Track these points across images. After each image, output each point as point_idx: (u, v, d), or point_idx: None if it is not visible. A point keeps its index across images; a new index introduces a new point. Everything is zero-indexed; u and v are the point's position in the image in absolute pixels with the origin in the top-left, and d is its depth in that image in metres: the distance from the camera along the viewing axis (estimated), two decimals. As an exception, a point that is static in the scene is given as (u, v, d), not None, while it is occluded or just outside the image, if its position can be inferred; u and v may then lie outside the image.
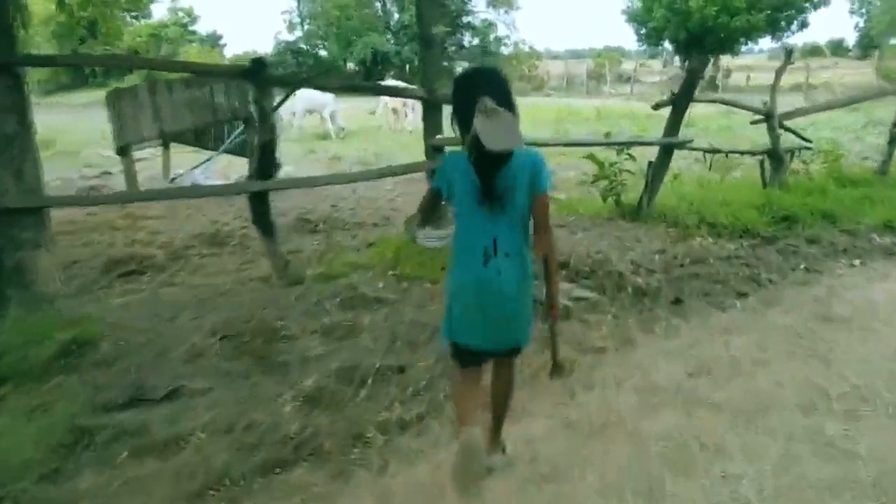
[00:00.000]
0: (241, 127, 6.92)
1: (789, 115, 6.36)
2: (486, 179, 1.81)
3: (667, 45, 31.51)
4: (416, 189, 6.30)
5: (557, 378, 2.20)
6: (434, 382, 2.71)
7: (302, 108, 12.52)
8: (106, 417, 2.45)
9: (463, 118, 1.79)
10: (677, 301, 3.70)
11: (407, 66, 29.05)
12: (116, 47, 23.74)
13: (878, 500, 2.04)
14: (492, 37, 31.14)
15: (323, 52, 32.30)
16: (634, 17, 30.17)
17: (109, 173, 8.01)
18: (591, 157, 5.29)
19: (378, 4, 32.01)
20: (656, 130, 7.45)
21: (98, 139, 9.79)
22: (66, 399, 2.55)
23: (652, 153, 5.34)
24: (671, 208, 5.22)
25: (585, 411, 2.51)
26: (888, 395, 2.65)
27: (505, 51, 30.60)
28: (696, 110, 7.44)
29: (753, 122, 6.41)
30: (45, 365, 2.77)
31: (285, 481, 2.15)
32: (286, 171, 7.92)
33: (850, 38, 44.99)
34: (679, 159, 6.31)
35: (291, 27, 32.91)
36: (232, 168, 7.58)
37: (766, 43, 31.01)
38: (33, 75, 25.81)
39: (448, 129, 3.96)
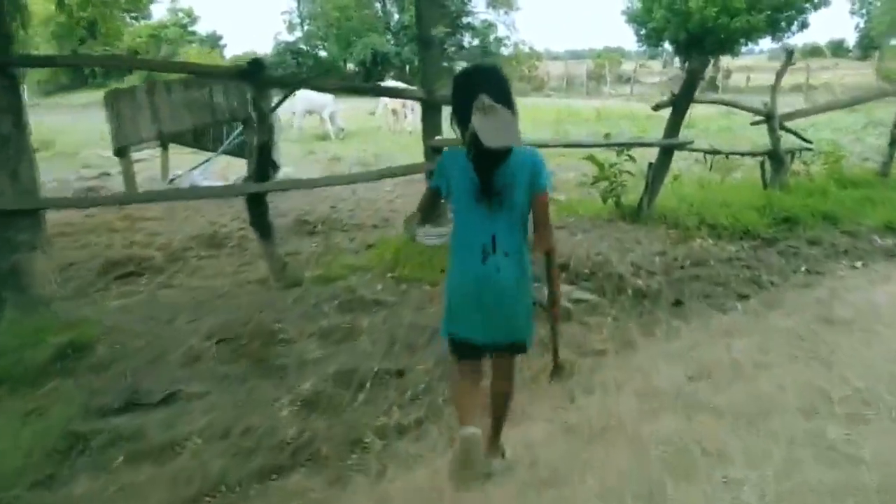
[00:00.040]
0: (240, 128, 6.89)
1: (790, 115, 6.34)
2: (484, 177, 1.81)
3: (667, 45, 31.50)
4: (415, 190, 6.28)
5: (558, 378, 2.20)
6: (433, 386, 2.69)
7: (301, 108, 12.51)
8: (101, 422, 2.43)
9: (462, 116, 1.79)
10: (678, 303, 3.68)
11: (407, 67, 29.04)
12: (116, 48, 23.73)
13: (882, 506, 2.02)
14: (492, 37, 31.14)
15: (323, 53, 32.30)
16: (634, 18, 30.16)
17: (108, 174, 7.99)
18: (590, 158, 5.27)
19: (378, 5, 32.01)
20: (656, 131, 7.43)
21: (97, 140, 9.77)
22: (61, 403, 2.53)
23: (652, 154, 5.32)
24: (671, 210, 5.20)
25: (585, 415, 2.49)
26: (891, 398, 2.63)
27: (505, 51, 30.59)
28: (696, 111, 7.42)
29: (754, 123, 6.39)
30: (41, 369, 2.75)
31: (282, 487, 2.12)
32: (285, 171, 7.92)
33: (851, 39, 45.01)
34: (679, 160, 6.29)
35: (291, 28, 32.94)
36: (231, 169, 7.55)
37: (766, 44, 31.05)
38: (33, 76, 25.81)
39: (447, 131, 3.96)
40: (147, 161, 8.43)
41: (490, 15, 31.46)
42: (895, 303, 3.73)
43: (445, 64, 21.18)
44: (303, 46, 32.28)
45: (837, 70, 28.18)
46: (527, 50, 31.44)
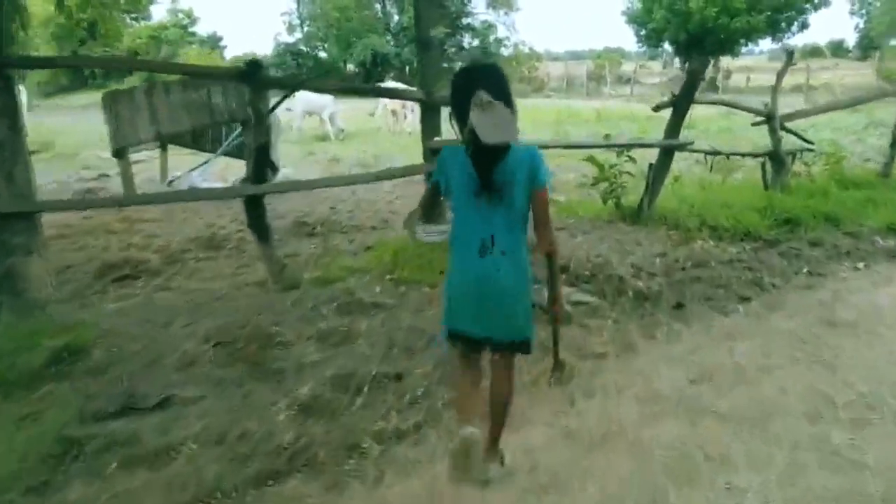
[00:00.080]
0: (239, 129, 6.87)
1: (790, 116, 6.31)
2: (483, 173, 1.81)
3: (667, 46, 31.48)
4: (414, 191, 6.25)
5: (559, 375, 2.20)
6: (431, 390, 2.66)
7: (301, 109, 12.49)
8: (96, 427, 2.40)
9: (460, 113, 1.79)
10: (679, 305, 3.65)
11: (407, 68, 29.02)
12: (116, 49, 23.70)
13: (887, 512, 1.99)
14: (492, 38, 31.11)
15: (323, 54, 32.29)
16: (634, 19, 30.13)
17: (107, 176, 7.97)
18: (590, 159, 5.25)
19: (378, 6, 32.01)
20: (656, 132, 7.40)
21: (96, 141, 9.74)
22: (56, 408, 2.50)
23: (652, 155, 5.29)
24: (672, 211, 5.18)
25: (586, 420, 2.46)
26: (894, 402, 2.60)
27: (505, 52, 30.56)
28: (696, 112, 7.39)
29: (755, 124, 6.36)
30: (36, 372, 2.72)
31: (278, 493, 2.09)
32: (285, 173, 7.89)
33: (851, 39, 44.96)
34: (679, 161, 6.26)
35: (291, 29, 32.92)
36: (230, 170, 7.53)
37: (766, 44, 31.02)
38: (33, 77, 25.78)
39: (446, 132, 3.93)
40: (146, 162, 8.41)
41: (490, 16, 31.45)
42: (898, 305, 3.70)
43: (445, 65, 21.16)
44: (303, 47, 32.27)
45: (837, 70, 28.15)
46: (527, 51, 31.41)
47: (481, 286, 1.88)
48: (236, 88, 5.92)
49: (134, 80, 19.03)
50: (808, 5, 27.02)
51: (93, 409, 2.50)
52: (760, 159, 6.20)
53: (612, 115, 15.06)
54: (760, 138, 7.71)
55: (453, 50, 29.52)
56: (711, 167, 6.94)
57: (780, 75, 6.29)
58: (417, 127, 4.65)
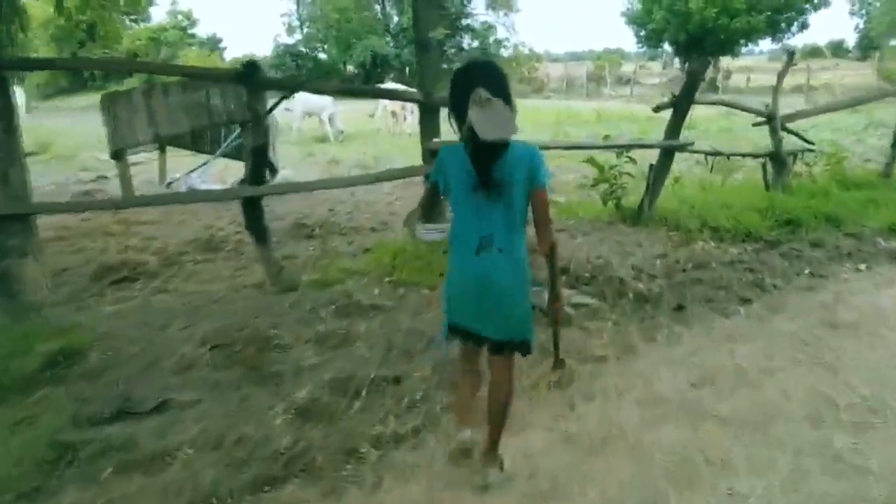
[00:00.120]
0: (238, 130, 6.84)
1: (791, 116, 6.29)
2: (481, 170, 1.81)
3: (666, 46, 31.47)
4: (414, 193, 6.23)
5: (559, 372, 2.24)
6: (430, 394, 2.63)
7: (300, 111, 12.47)
8: (91, 431, 2.38)
9: (459, 111, 1.79)
10: (679, 307, 3.62)
11: (406, 69, 29.01)
12: (115, 51, 23.69)
13: (891, 518, 1.97)
14: (491, 39, 31.10)
15: (322, 56, 32.28)
16: (634, 20, 30.12)
17: (105, 177, 7.95)
18: (590, 160, 5.22)
19: (377, 7, 32.01)
20: (657, 133, 7.37)
21: (95, 143, 9.73)
22: (50, 412, 2.48)
23: (652, 156, 5.27)
24: (672, 212, 5.15)
25: (586, 424, 2.43)
26: (898, 405, 2.58)
27: (504, 53, 30.53)
28: (696, 112, 7.36)
29: (756, 125, 6.33)
30: (31, 376, 2.70)
31: (275, 499, 2.07)
32: (284, 174, 7.87)
33: (850, 40, 44.94)
34: (679, 161, 6.24)
35: (291, 30, 32.92)
36: (229, 172, 7.51)
37: (766, 44, 31.01)
38: (32, 79, 25.81)
39: (445, 133, 3.91)
40: (145, 164, 8.39)
41: (490, 17, 31.45)
42: (900, 306, 3.68)
43: (445, 66, 21.15)
44: (302, 49, 32.27)
45: (837, 71, 28.13)
46: (526, 52, 31.40)
47: (479, 284, 1.88)
48: (235, 90, 5.88)
49: (134, 82, 19.00)
50: (807, 5, 27.00)
51: (88, 413, 2.48)
52: (761, 160, 6.17)
53: (612, 116, 15.04)
54: (760, 138, 7.69)
55: (453, 51, 29.51)
56: (712, 168, 6.91)
57: (780, 76, 6.27)
58: (417, 128, 4.63)
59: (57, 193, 7.11)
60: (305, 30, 32.66)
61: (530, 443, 2.32)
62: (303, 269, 4.18)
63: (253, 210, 3.71)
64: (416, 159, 4.65)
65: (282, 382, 2.72)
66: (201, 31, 34.38)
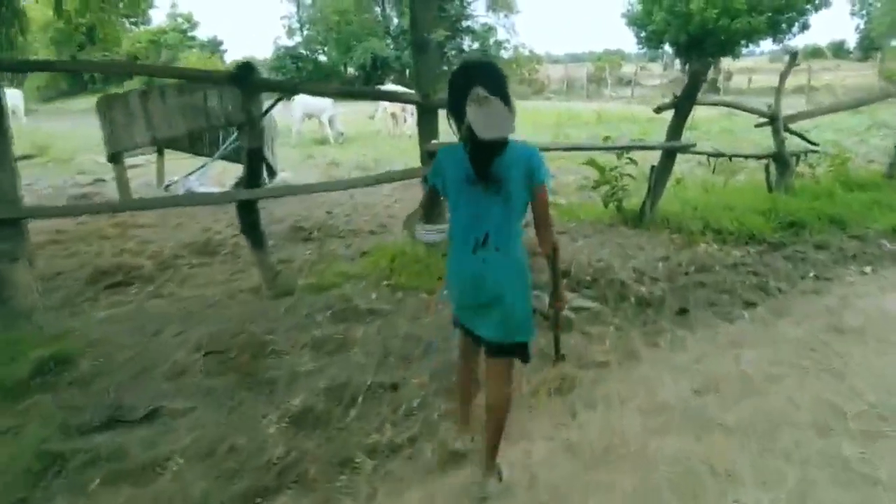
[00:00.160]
0: (237, 133, 6.79)
1: (793, 117, 6.23)
2: (480, 169, 1.80)
3: (667, 48, 31.41)
4: (413, 195, 6.18)
5: (560, 364, 2.28)
6: (428, 401, 2.57)
7: (300, 113, 12.41)
8: (80, 441, 2.32)
9: (457, 111, 1.78)
10: (682, 311, 3.56)
11: (407, 71, 28.99)
12: (115, 54, 23.67)
13: (903, 531, 1.90)
14: (492, 41, 31.11)
15: (322, 58, 32.28)
16: (634, 21, 30.06)
17: (103, 180, 7.90)
18: (591, 162, 5.16)
19: (378, 9, 32.02)
20: (657, 134, 7.32)
21: (93, 146, 9.68)
22: (39, 421, 2.42)
23: (653, 157, 5.21)
24: (674, 214, 5.09)
25: (587, 433, 2.37)
26: (907, 412, 2.51)
27: (505, 55, 30.55)
28: (697, 113, 7.30)
29: (758, 125, 6.27)
30: (20, 384, 2.64)
31: (267, 511, 2.01)
32: (283, 176, 7.82)
33: (851, 40, 44.83)
34: (681, 163, 6.18)
35: (291, 33, 32.96)
36: (227, 174, 7.46)
37: (766, 45, 30.92)
38: (32, 81, 25.82)
39: (444, 135, 3.85)
40: (143, 167, 8.35)
41: (490, 18, 31.49)
42: (907, 310, 3.61)
43: (445, 68, 21.14)
44: (302, 51, 32.27)
45: (839, 71, 28.07)
46: (527, 53, 31.42)
47: (475, 283, 1.88)
48: (233, 92, 5.84)
49: (134, 85, 19.01)
50: (808, 6, 26.91)
51: (77, 421, 2.43)
52: (764, 161, 6.11)
53: (612, 117, 14.99)
54: (762, 139, 7.63)
55: (453, 53, 29.51)
56: (714, 169, 6.85)
57: (783, 76, 6.20)
58: (417, 130, 4.57)
59: (54, 196, 7.07)
60: (306, 32, 32.69)
61: (530, 452, 2.26)
62: (299, 273, 4.12)
63: (249, 213, 3.65)
64: (416, 161, 4.58)
65: (276, 389, 2.66)
66: (202, 33, 34.42)
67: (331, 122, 12.52)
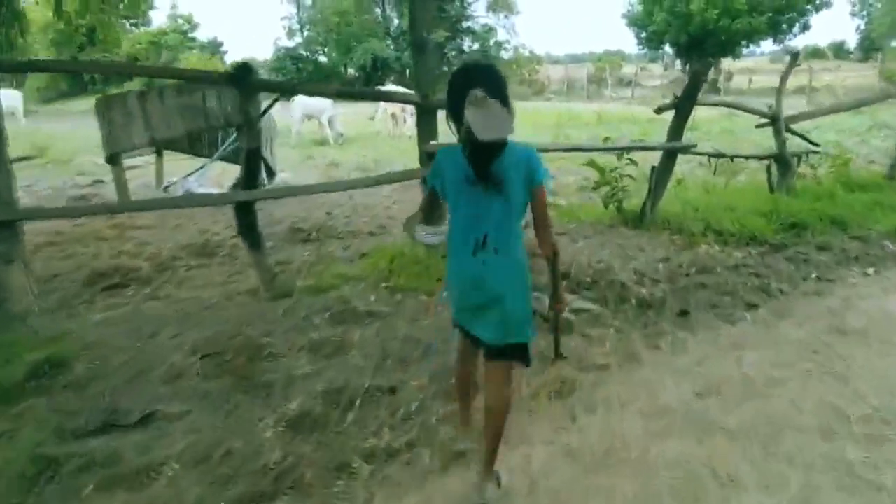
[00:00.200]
0: (236, 133, 6.77)
1: (795, 118, 6.20)
2: (479, 171, 1.80)
3: (667, 48, 31.39)
4: (412, 196, 6.15)
5: (560, 361, 2.32)
6: (426, 405, 2.54)
7: (300, 113, 12.39)
8: (75, 445, 2.30)
9: (456, 113, 1.77)
10: (683, 313, 3.53)
11: (407, 72, 28.99)
12: (115, 55, 23.66)
13: (909, 537, 1.87)
14: (492, 41, 31.10)
15: (323, 59, 32.27)
16: (635, 21, 30.05)
17: (102, 181, 7.87)
18: (591, 162, 5.14)
19: (378, 10, 32.02)
20: (658, 134, 7.29)
21: (92, 147, 9.65)
22: (33, 425, 2.39)
23: (654, 158, 5.18)
24: (675, 215, 5.06)
25: (588, 437, 2.34)
26: (911, 416, 2.48)
27: (505, 55, 30.55)
28: (697, 114, 7.28)
29: (759, 126, 6.25)
30: (14, 387, 2.62)
31: (262, 517, 1.98)
32: (283, 177, 7.80)
33: (852, 41, 44.78)
34: (682, 163, 6.15)
35: (291, 34, 32.97)
36: (226, 176, 7.43)
37: (767, 46, 30.90)
38: (32, 82, 25.82)
39: (443, 136, 3.82)
40: (142, 168, 8.33)
41: (490, 19, 31.48)
42: (910, 312, 3.58)
43: (445, 69, 21.15)
44: (303, 52, 32.27)
45: (839, 72, 28.03)
46: (527, 54, 31.41)
47: (475, 285, 1.87)
48: (231, 92, 5.82)
49: (134, 86, 19.00)
50: (809, 6, 26.89)
51: (72, 426, 2.40)
52: (765, 162, 6.08)
53: (612, 118, 14.97)
54: (762, 140, 7.60)
55: (454, 53, 29.50)
56: (715, 170, 6.82)
57: (784, 77, 6.18)
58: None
59: (53, 197, 7.05)
60: (306, 33, 32.70)
61: (529, 457, 2.23)
62: (298, 275, 4.09)
63: (246, 215, 3.63)
64: (416, 162, 4.56)
65: (273, 393, 2.64)
66: (202, 34, 34.37)
67: (330, 122, 12.50)
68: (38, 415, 2.46)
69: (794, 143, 6.27)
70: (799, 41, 31.79)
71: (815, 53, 37.80)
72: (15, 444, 2.28)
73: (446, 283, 2.01)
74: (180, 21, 32.54)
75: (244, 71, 3.44)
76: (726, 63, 29.44)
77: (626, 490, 2.06)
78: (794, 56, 6.61)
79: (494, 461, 2.03)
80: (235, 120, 6.16)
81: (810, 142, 6.39)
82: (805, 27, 27.69)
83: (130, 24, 27.67)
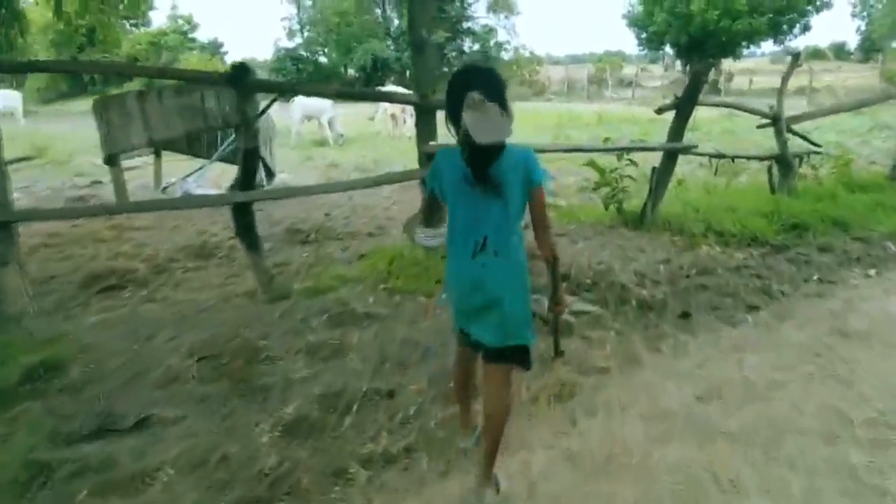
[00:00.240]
0: (234, 134, 6.74)
1: (796, 118, 6.18)
2: (477, 173, 1.79)
3: (668, 49, 31.36)
4: (412, 196, 6.12)
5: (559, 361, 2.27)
6: (425, 409, 2.52)
7: (300, 114, 12.36)
8: (68, 450, 2.27)
9: (455, 115, 1.77)
10: (684, 315, 3.50)
11: (407, 72, 28.97)
12: (115, 55, 23.64)
13: (914, 544, 1.84)
14: (492, 42, 31.07)
15: (323, 59, 32.25)
16: (635, 22, 30.02)
17: (100, 182, 7.84)
18: (591, 163, 5.11)
19: (378, 11, 32.00)
20: (658, 135, 7.26)
21: (91, 148, 9.62)
22: (27, 429, 2.37)
23: (654, 158, 5.15)
24: (676, 215, 5.04)
25: (588, 441, 2.31)
26: (915, 420, 2.45)
27: (505, 56, 30.53)
28: (698, 114, 7.26)
29: (760, 126, 6.22)
30: (9, 391, 2.59)
31: (258, 524, 1.96)
32: (282, 178, 7.77)
33: (852, 42, 44.74)
34: (682, 164, 6.12)
35: (291, 34, 32.94)
36: (225, 176, 7.40)
37: (768, 46, 30.87)
38: (32, 83, 25.80)
39: (442, 136, 3.80)
40: (141, 169, 8.30)
41: (490, 19, 31.44)
42: (913, 314, 3.55)
43: (446, 69, 21.13)
44: (303, 52, 32.24)
45: (840, 73, 28.01)
46: (527, 54, 31.38)
47: (475, 288, 1.85)
48: (230, 93, 5.79)
49: (134, 86, 18.98)
50: (809, 7, 26.85)
51: (66, 430, 2.37)
52: (766, 162, 6.06)
53: (613, 119, 14.94)
54: (763, 140, 7.57)
55: (454, 54, 29.49)
56: (716, 170, 6.80)
57: (785, 77, 6.15)
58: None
59: (52, 198, 7.02)
60: (306, 33, 32.68)
61: (529, 462, 2.20)
62: (296, 277, 4.07)
63: (244, 216, 3.60)
64: (415, 162, 4.54)
65: (270, 397, 2.61)
66: (202, 35, 34.33)
67: (330, 123, 12.47)
68: (32, 419, 2.43)
69: (795, 144, 6.24)
70: (799, 42, 31.80)
71: (816, 54, 37.76)
72: (8, 449, 2.26)
73: (445, 286, 1.99)
74: (180, 21, 32.51)
75: (241, 71, 3.41)
76: (727, 64, 29.41)
77: (626, 495, 2.03)
78: (796, 56, 6.58)
79: (493, 466, 2.00)
80: (234, 120, 6.12)
81: (812, 142, 6.37)
82: (806, 28, 27.67)
83: (130, 25, 27.66)
